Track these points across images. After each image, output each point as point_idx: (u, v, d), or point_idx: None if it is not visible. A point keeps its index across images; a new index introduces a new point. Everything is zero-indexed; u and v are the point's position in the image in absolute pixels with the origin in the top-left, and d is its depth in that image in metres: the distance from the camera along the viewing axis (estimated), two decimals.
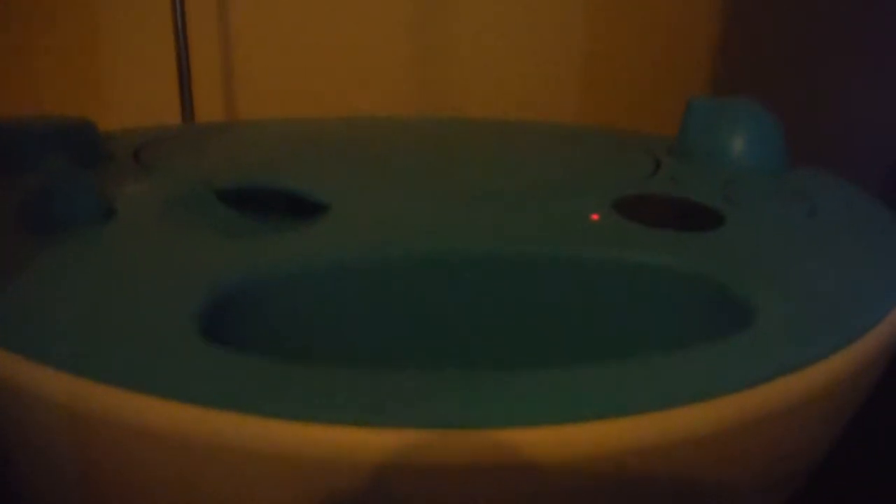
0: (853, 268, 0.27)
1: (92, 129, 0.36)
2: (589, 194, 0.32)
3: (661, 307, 0.26)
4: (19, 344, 0.20)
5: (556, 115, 0.73)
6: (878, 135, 0.64)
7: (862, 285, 0.25)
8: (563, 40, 0.72)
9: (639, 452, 0.18)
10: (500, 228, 0.28)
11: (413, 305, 0.26)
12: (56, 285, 0.23)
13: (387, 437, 0.17)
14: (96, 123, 0.36)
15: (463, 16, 0.70)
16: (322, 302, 0.25)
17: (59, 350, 0.19)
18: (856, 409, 0.25)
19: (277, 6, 0.67)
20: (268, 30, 0.68)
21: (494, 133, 0.48)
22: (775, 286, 0.25)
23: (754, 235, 0.29)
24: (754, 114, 0.38)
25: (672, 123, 0.43)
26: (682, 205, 0.31)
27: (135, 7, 0.65)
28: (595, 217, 0.29)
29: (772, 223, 0.30)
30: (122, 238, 0.26)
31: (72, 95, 0.66)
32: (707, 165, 0.37)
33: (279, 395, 0.18)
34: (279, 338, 0.25)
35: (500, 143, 0.45)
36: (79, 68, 0.66)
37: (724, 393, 0.19)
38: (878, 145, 0.64)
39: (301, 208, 0.30)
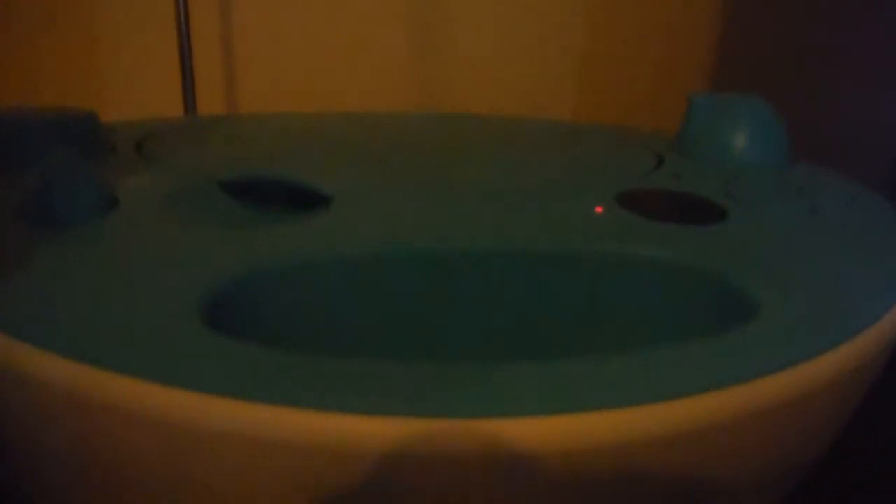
0: (855, 263, 0.27)
1: (94, 120, 0.36)
2: (591, 190, 0.32)
3: (662, 301, 0.26)
4: (21, 330, 0.20)
5: (556, 112, 0.73)
6: (879, 132, 0.64)
7: (864, 280, 0.25)
8: (563, 37, 0.73)
9: (639, 445, 0.18)
10: (502, 223, 0.28)
11: (414, 299, 0.26)
12: (58, 275, 0.23)
13: (393, 426, 0.17)
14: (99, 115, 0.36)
15: (463, 13, 0.70)
16: (323, 294, 0.25)
17: (61, 337, 0.19)
18: (857, 404, 0.25)
19: (279, 1, 0.67)
20: (270, 24, 0.68)
21: (496, 129, 0.48)
22: (777, 281, 0.25)
23: (756, 230, 0.29)
24: (756, 110, 0.38)
25: (671, 121, 0.44)
26: (685, 199, 0.31)
27: (137, 1, 0.65)
28: (599, 209, 0.29)
29: (774, 219, 0.30)
30: (125, 229, 0.26)
31: (74, 89, 0.66)
32: (709, 161, 0.37)
33: (282, 384, 0.18)
34: (280, 329, 0.25)
35: (501, 138, 0.45)
36: (81, 62, 0.65)
37: (725, 386, 0.19)
38: (879, 142, 0.64)
39: (303, 201, 0.30)
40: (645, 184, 0.33)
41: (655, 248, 0.27)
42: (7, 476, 0.23)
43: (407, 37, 0.70)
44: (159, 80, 0.66)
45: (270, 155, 0.37)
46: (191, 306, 0.21)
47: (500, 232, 0.27)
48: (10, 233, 0.25)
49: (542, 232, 0.28)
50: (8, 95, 0.64)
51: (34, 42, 0.64)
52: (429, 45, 0.71)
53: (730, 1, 0.70)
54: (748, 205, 0.31)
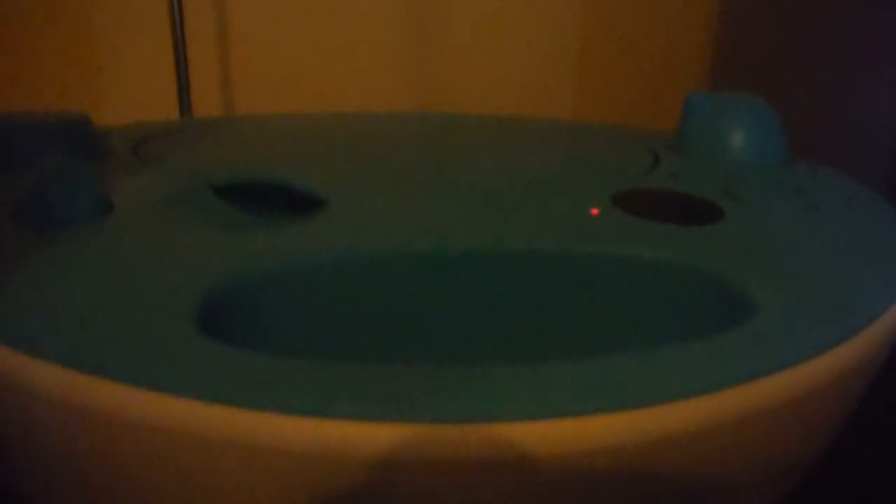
0: (854, 261, 0.27)
1: (89, 123, 0.36)
2: (587, 190, 0.32)
3: (660, 301, 0.26)
4: (15, 338, 0.20)
5: (553, 111, 0.73)
6: (879, 132, 0.64)
7: (863, 279, 0.25)
8: (560, 36, 0.72)
9: (636, 446, 0.18)
10: (498, 224, 0.28)
11: (411, 300, 0.26)
12: (53, 280, 0.23)
13: (389, 431, 0.17)
14: (93, 119, 0.36)
15: (461, 12, 0.70)
16: (319, 297, 0.25)
17: (56, 344, 0.19)
18: (857, 402, 0.25)
19: (275, 1, 0.67)
20: (265, 25, 0.67)
21: (492, 129, 0.48)
22: (776, 280, 0.24)
23: (755, 229, 0.29)
24: (754, 108, 0.38)
25: (669, 120, 0.43)
26: (682, 199, 0.31)
27: (132, 3, 0.65)
28: (595, 212, 0.29)
29: (772, 217, 0.30)
30: (120, 233, 0.26)
31: (70, 91, 0.66)
32: (706, 160, 0.37)
33: (278, 390, 0.18)
34: (276, 332, 0.25)
35: (497, 138, 0.45)
36: (76, 65, 0.65)
37: (724, 387, 0.19)
38: (879, 142, 0.64)
39: (299, 203, 0.30)
40: (642, 183, 0.33)
41: (653, 248, 0.26)
42: (3, 482, 0.23)
43: (404, 36, 0.70)
44: (155, 82, 0.66)
45: (267, 157, 0.37)
46: (186, 310, 0.21)
47: (498, 233, 0.27)
48: (4, 235, 0.25)
49: (539, 232, 0.27)
50: (4, 97, 0.64)
51: (30, 44, 0.64)
52: (426, 45, 0.71)
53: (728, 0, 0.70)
54: (746, 204, 0.31)
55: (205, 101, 0.67)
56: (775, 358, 0.20)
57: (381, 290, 0.26)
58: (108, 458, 0.19)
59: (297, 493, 0.18)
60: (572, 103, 0.74)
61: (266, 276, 0.24)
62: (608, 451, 0.18)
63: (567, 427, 0.18)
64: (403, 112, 0.53)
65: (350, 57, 0.70)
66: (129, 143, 0.38)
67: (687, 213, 0.29)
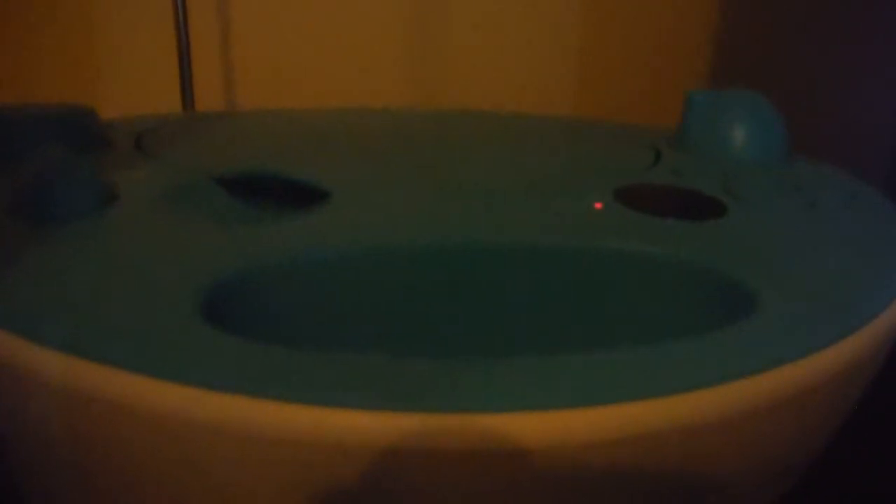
0: (855, 259, 0.27)
1: (92, 115, 0.36)
2: (589, 185, 0.32)
3: (662, 296, 0.26)
4: (18, 325, 0.20)
5: (554, 108, 0.73)
6: (879, 131, 0.64)
7: (863, 277, 0.25)
8: (561, 33, 0.72)
9: (636, 440, 0.18)
10: (501, 219, 0.28)
11: (413, 294, 0.26)
12: (56, 270, 0.23)
13: (392, 421, 0.17)
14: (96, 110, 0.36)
15: (462, 10, 0.70)
16: (321, 289, 0.25)
17: (59, 332, 0.19)
18: (856, 400, 0.25)
19: None
20: (268, 20, 0.67)
21: (494, 125, 0.48)
22: (776, 277, 0.24)
23: (756, 226, 0.29)
24: (755, 105, 0.38)
25: (669, 117, 0.43)
26: (684, 194, 0.31)
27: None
28: (598, 206, 0.29)
29: (773, 214, 0.30)
30: (123, 225, 0.26)
31: (72, 86, 0.65)
32: (707, 157, 0.37)
33: (280, 379, 0.18)
34: (279, 324, 0.25)
35: (499, 134, 0.45)
36: (78, 62, 0.65)
37: (724, 382, 0.19)
38: (879, 141, 0.64)
39: (302, 197, 0.30)
40: (643, 179, 0.33)
41: (654, 244, 0.26)
42: (4, 474, 0.23)
43: (405, 35, 0.70)
44: (158, 76, 0.66)
45: (269, 151, 0.37)
46: (190, 302, 0.21)
47: (500, 228, 0.27)
48: (6, 227, 0.25)
49: (541, 228, 0.28)
50: (6, 92, 0.64)
51: (31, 41, 0.64)
52: (427, 44, 0.71)
53: None
54: (747, 201, 0.31)
55: (207, 99, 0.67)
56: (775, 354, 0.20)
57: (383, 284, 0.26)
58: (109, 446, 0.19)
59: (295, 481, 0.18)
60: (572, 103, 0.74)
61: (268, 268, 0.24)
62: (606, 444, 0.18)
63: (565, 420, 0.18)
64: (407, 108, 0.53)
65: (351, 55, 0.70)
66: (132, 136, 0.38)
67: (688, 209, 0.29)
